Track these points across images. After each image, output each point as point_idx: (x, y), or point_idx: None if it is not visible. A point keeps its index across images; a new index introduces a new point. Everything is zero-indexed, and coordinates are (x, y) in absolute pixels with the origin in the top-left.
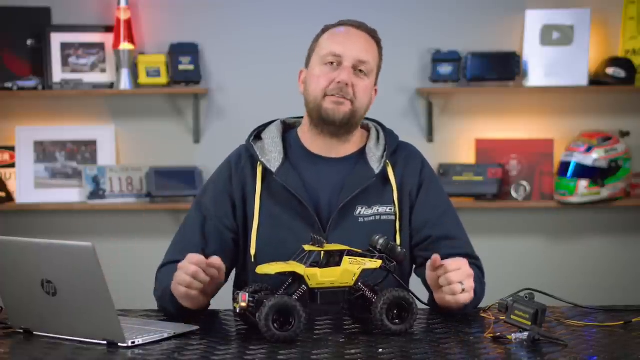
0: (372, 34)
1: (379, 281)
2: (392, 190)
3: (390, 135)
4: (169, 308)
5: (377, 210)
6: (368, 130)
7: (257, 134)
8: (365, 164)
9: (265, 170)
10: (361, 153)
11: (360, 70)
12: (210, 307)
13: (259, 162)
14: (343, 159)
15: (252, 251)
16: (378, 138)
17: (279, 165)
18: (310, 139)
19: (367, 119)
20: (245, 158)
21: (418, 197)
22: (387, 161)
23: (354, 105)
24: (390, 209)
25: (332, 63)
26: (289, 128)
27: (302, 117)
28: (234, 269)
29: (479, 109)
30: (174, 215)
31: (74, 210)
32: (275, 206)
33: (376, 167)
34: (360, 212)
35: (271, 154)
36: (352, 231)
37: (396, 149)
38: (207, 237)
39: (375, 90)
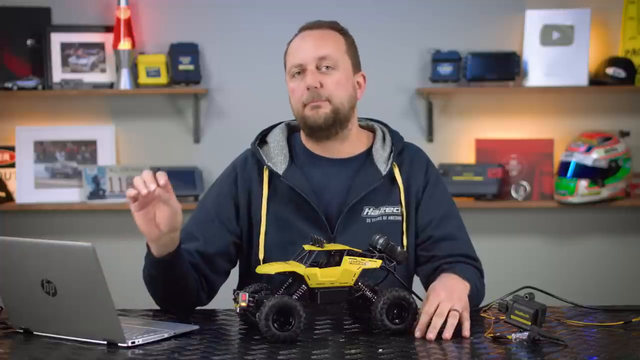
0: (332, 25)
1: (379, 281)
2: (399, 191)
3: (396, 136)
4: (149, 273)
5: (385, 210)
6: (373, 131)
7: (262, 137)
8: (372, 164)
9: (272, 174)
10: (367, 154)
11: (327, 67)
12: (211, 307)
13: (265, 166)
14: (349, 160)
15: (261, 255)
16: (384, 139)
17: (285, 168)
18: (312, 143)
19: (372, 120)
20: (251, 162)
21: (423, 197)
22: (394, 162)
23: (333, 102)
24: (397, 210)
25: (298, 73)
26: (293, 130)
27: None
28: (238, 271)
29: (479, 109)
30: None
31: (74, 210)
32: (282, 209)
33: (383, 169)
34: (367, 212)
35: (277, 157)
36: (360, 232)
37: (402, 150)
38: (207, 240)
39: (364, 77)
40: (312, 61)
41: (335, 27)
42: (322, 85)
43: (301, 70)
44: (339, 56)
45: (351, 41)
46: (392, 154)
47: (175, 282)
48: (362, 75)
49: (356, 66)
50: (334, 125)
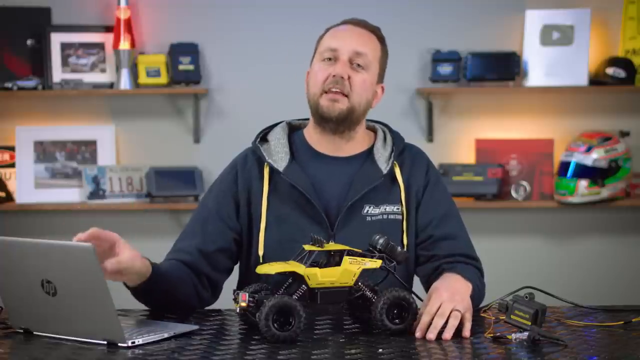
0: (375, 30)
1: (379, 281)
2: (400, 190)
3: (397, 136)
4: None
5: (385, 209)
6: (374, 131)
7: (263, 136)
8: (373, 163)
9: (272, 171)
10: (369, 153)
11: (358, 65)
12: (211, 307)
13: (265, 163)
14: (350, 158)
15: (260, 252)
16: (385, 139)
17: (285, 165)
18: (316, 139)
19: (374, 120)
20: (251, 160)
21: (423, 196)
22: (395, 162)
23: (351, 100)
24: (398, 209)
25: (329, 59)
26: (294, 129)
27: (306, 119)
28: (238, 270)
29: (479, 109)
30: (174, 215)
31: (74, 210)
32: (282, 206)
33: (384, 167)
34: (367, 211)
35: (278, 154)
36: (360, 230)
37: (403, 150)
38: (207, 236)
39: (382, 89)
40: (348, 53)
41: (377, 33)
42: (350, 79)
43: (333, 57)
44: (373, 59)
45: (385, 52)
46: (393, 154)
47: (160, 299)
48: (381, 87)
49: (381, 76)
50: (344, 122)
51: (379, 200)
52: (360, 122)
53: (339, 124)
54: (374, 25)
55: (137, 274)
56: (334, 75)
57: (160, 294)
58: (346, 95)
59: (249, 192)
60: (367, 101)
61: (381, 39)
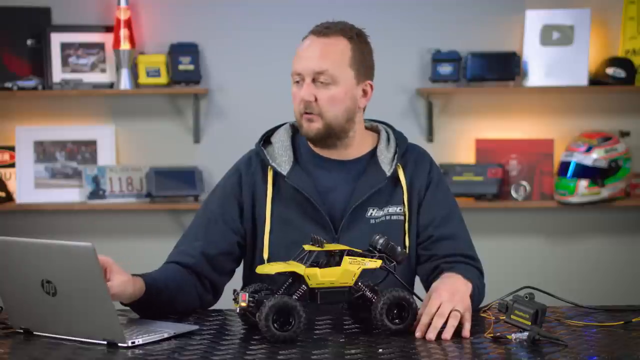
0: (343, 31)
1: (379, 281)
2: (403, 191)
3: (400, 136)
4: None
5: (388, 211)
6: (377, 132)
7: (267, 138)
8: (377, 166)
9: (276, 174)
10: (372, 155)
11: (321, 82)
12: (211, 307)
13: (269, 167)
14: (354, 161)
15: (265, 255)
16: (388, 140)
17: (289, 169)
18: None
19: (376, 121)
20: (255, 162)
21: (425, 197)
22: (398, 163)
23: (324, 118)
24: (400, 209)
25: (297, 82)
26: (298, 131)
27: None
28: (242, 272)
29: (479, 109)
30: (174, 215)
31: (74, 210)
32: (286, 209)
33: (387, 170)
34: (371, 213)
35: (281, 157)
36: (364, 232)
37: (406, 150)
38: (211, 239)
39: (371, 86)
40: (310, 74)
41: (344, 33)
42: (316, 100)
43: (300, 80)
44: (339, 71)
45: (361, 48)
46: (396, 155)
47: (157, 310)
48: (369, 84)
49: (363, 75)
50: (327, 138)
51: (382, 202)
52: (352, 128)
53: (322, 140)
54: (342, 25)
55: (128, 298)
56: (301, 100)
57: (157, 307)
58: (317, 115)
59: (253, 195)
60: (345, 110)
61: (351, 38)
